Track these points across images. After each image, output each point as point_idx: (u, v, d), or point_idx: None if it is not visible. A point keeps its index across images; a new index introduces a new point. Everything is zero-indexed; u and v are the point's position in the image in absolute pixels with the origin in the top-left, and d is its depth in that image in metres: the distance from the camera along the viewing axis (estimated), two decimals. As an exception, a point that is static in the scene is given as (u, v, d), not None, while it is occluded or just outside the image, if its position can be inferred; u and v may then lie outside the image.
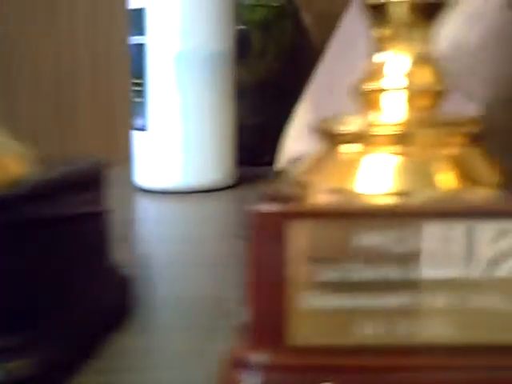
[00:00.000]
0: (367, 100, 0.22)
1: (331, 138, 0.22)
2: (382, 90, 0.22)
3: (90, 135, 0.83)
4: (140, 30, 0.55)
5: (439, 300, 0.19)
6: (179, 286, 0.33)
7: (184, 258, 0.37)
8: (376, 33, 0.22)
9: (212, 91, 0.55)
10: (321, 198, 0.21)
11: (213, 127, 0.56)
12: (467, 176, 0.21)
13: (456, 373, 0.19)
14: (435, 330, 0.19)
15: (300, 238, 0.19)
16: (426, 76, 0.22)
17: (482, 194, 0.21)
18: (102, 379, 0.23)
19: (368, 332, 0.19)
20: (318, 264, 0.20)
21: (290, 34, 0.70)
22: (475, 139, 0.22)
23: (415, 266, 0.19)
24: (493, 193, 0.21)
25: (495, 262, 0.19)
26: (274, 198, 0.20)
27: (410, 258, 0.19)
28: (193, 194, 0.55)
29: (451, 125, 0.22)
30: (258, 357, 0.20)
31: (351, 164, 0.21)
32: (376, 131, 0.21)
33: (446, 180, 0.21)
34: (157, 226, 0.48)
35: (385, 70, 0.22)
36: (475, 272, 0.19)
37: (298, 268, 0.20)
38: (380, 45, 0.22)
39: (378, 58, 0.22)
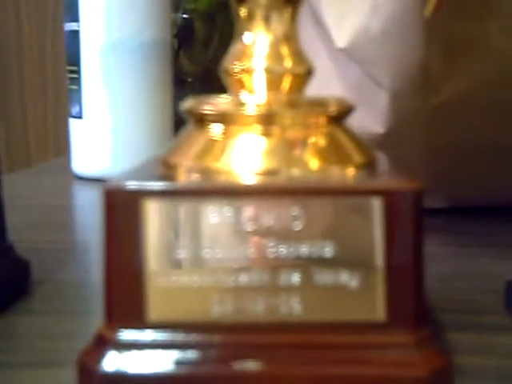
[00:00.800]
0: (233, 80, 0.23)
1: (198, 118, 0.22)
2: (246, 71, 0.22)
3: (38, 122, 0.82)
4: (74, 16, 0.55)
5: (292, 277, 0.20)
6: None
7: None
8: (240, 12, 0.23)
9: (146, 80, 0.55)
10: (184, 177, 0.21)
11: (147, 116, 0.55)
12: (329, 156, 0.21)
13: (310, 350, 0.20)
14: (287, 307, 0.20)
15: (153, 215, 0.20)
16: (287, 58, 0.22)
17: (345, 173, 0.21)
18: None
19: (222, 309, 0.20)
20: (172, 242, 0.20)
21: (234, 23, 0.70)
22: (338, 120, 0.22)
23: (267, 243, 0.20)
24: (355, 172, 0.21)
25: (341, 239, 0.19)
26: (133, 178, 0.20)
27: (261, 236, 0.20)
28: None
29: (314, 106, 0.22)
30: (117, 334, 0.20)
31: (216, 143, 0.22)
32: (240, 111, 0.22)
33: (310, 160, 0.21)
34: (91, 212, 0.48)
35: (249, 51, 0.22)
36: (323, 250, 0.19)
37: (152, 246, 0.20)
38: (244, 25, 0.23)
39: (243, 38, 0.23)
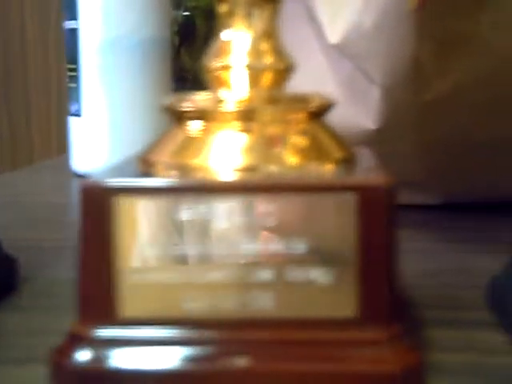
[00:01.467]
0: (213, 77, 0.23)
1: (177, 115, 0.22)
2: (225, 68, 0.22)
3: (41, 120, 0.83)
4: (73, 14, 0.55)
5: (263, 274, 0.20)
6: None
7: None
8: (220, 9, 0.23)
9: (145, 77, 0.55)
10: (162, 174, 0.21)
11: (145, 113, 0.55)
12: (308, 152, 0.21)
13: (282, 347, 0.19)
14: (260, 303, 0.20)
15: (125, 212, 0.20)
16: (268, 54, 0.22)
17: (322, 170, 0.21)
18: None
19: (195, 306, 0.20)
20: (144, 239, 0.20)
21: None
22: (318, 116, 0.22)
23: (239, 240, 0.20)
24: (332, 168, 0.21)
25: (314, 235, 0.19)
26: (107, 175, 0.21)
27: (234, 233, 0.20)
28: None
29: (293, 102, 0.22)
30: (90, 332, 0.20)
31: (195, 140, 0.22)
32: (220, 108, 0.22)
33: (289, 156, 0.21)
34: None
35: (229, 48, 0.22)
36: (296, 246, 0.19)
37: (124, 243, 0.20)
38: (225, 22, 0.23)
39: (223, 35, 0.23)
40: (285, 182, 0.20)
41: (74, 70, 0.56)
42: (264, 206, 0.19)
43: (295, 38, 0.42)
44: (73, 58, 0.56)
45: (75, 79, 0.56)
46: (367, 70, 0.37)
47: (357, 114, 0.39)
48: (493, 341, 0.23)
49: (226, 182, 0.20)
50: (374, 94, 0.37)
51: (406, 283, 0.29)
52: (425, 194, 0.42)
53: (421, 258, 0.34)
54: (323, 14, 0.40)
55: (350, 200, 0.19)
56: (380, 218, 0.19)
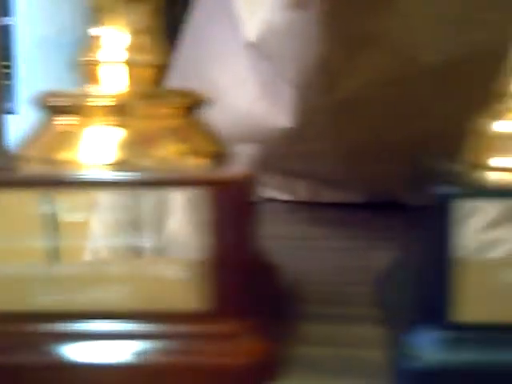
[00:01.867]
0: (86, 72, 0.23)
1: (49, 109, 0.22)
2: (99, 63, 0.22)
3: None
4: (8, 10, 0.55)
5: (116, 268, 0.19)
6: None
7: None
8: (96, 5, 0.22)
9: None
10: (29, 168, 0.21)
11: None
12: (181, 147, 0.21)
13: (132, 340, 0.19)
14: (112, 297, 0.19)
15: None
16: (142, 50, 0.22)
17: (195, 164, 0.21)
18: None
19: (45, 299, 0.19)
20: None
21: (180, 19, 0.70)
22: (190, 111, 0.22)
23: (91, 234, 0.19)
24: (206, 162, 0.21)
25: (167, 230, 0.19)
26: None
27: (85, 227, 0.19)
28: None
29: (167, 97, 0.22)
30: None
31: (66, 135, 0.22)
32: (91, 103, 0.22)
33: (160, 151, 0.21)
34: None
35: (102, 43, 0.22)
36: (149, 240, 0.19)
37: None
38: (100, 16, 0.22)
39: (97, 30, 0.22)
40: (138, 177, 0.19)
41: (8, 67, 0.55)
42: (116, 201, 0.19)
43: (217, 34, 0.42)
44: (7, 55, 0.56)
45: (9, 76, 0.56)
46: (281, 69, 0.37)
47: (274, 112, 0.39)
48: (371, 335, 0.23)
49: (76, 177, 0.20)
50: (289, 93, 0.37)
51: (312, 280, 0.29)
52: (347, 192, 0.42)
53: (336, 256, 0.34)
54: (242, 11, 0.40)
55: (203, 194, 0.19)
56: (233, 213, 0.19)
